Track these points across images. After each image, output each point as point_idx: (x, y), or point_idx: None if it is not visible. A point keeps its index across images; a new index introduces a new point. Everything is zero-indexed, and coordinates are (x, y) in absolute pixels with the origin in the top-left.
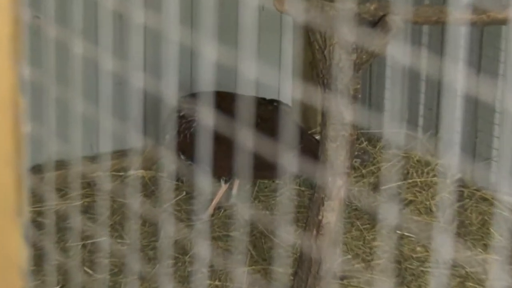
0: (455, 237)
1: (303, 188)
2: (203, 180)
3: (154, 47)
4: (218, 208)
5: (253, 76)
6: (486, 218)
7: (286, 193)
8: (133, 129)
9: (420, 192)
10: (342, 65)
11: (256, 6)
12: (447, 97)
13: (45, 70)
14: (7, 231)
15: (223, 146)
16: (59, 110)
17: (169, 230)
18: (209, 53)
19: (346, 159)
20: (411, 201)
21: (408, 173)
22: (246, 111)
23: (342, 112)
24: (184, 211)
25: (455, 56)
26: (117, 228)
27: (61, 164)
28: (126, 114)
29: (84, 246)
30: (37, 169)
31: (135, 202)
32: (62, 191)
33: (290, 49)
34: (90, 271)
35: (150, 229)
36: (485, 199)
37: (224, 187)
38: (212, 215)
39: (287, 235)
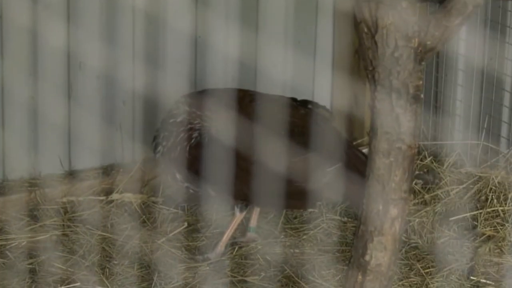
0: None
1: (344, 219)
2: (211, 208)
3: (148, 33)
4: (231, 244)
5: (280, 70)
6: None
7: (322, 225)
8: (119, 138)
9: (502, 225)
10: (399, 55)
11: None
12: None
13: (9, 64)
14: None
15: (239, 163)
16: (26, 114)
17: (166, 273)
18: (221, 39)
19: (403, 181)
20: (489, 237)
21: (486, 199)
22: (270, 117)
23: (398, 117)
24: (186, 249)
25: None
26: (96, 271)
27: (25, 184)
28: (110, 118)
29: None
30: None
31: (120, 236)
32: (24, 220)
33: (329, 33)
34: None
35: (141, 272)
36: None
37: (239, 216)
38: (223, 254)
39: (323, 282)
